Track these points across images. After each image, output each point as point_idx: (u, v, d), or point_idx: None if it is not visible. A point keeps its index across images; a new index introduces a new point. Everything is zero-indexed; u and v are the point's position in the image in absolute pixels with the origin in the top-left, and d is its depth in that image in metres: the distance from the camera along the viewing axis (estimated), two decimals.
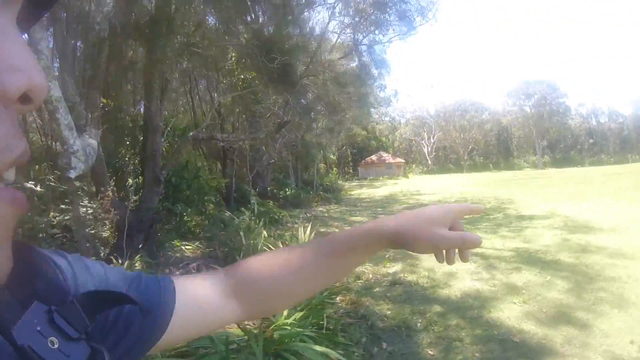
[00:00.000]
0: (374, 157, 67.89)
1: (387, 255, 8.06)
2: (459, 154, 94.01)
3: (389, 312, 5.37)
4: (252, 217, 11.01)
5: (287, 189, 19.13)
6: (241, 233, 8.00)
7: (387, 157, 69.02)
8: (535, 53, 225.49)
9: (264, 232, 8.54)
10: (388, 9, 19.35)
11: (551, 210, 14.31)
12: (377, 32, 21.41)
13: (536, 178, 38.28)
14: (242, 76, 12.97)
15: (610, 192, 19.71)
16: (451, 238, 0.76)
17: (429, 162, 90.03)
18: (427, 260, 7.84)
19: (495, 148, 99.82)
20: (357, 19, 18.78)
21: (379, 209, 17.90)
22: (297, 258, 0.81)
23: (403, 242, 0.76)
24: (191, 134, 10.09)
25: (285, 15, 10.92)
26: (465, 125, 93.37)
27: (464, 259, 0.80)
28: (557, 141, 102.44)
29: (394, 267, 7.50)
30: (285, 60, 9.64)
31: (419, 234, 0.75)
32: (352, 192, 30.36)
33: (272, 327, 4.06)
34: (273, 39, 10.15)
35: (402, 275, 7.04)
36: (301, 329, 4.03)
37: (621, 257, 7.48)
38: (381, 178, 57.74)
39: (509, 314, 5.08)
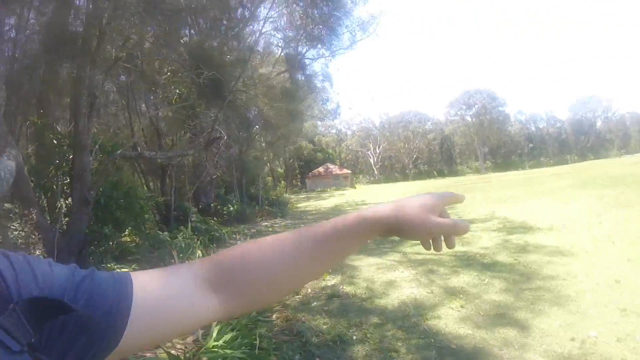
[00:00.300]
0: (321, 169, 68.05)
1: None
2: (404, 163, 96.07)
3: (325, 326, 5.26)
4: (192, 235, 10.70)
5: (230, 205, 18.75)
6: (174, 253, 7.71)
7: (334, 168, 69.34)
8: (476, 63, 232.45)
9: (199, 252, 8.31)
10: (329, 24, 19.71)
11: (491, 212, 14.70)
12: (319, 46, 21.75)
13: (477, 183, 39.33)
14: (177, 91, 12.71)
15: (548, 192, 20.50)
16: (444, 224, 0.77)
17: (375, 172, 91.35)
18: (366, 271, 7.85)
19: (439, 156, 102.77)
20: (300, 32, 18.95)
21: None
22: (288, 245, 0.75)
23: (399, 229, 0.76)
24: (118, 152, 9.72)
25: (217, 31, 10.82)
26: (409, 136, 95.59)
27: (450, 245, 0.82)
28: (498, 147, 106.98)
29: (333, 280, 7.43)
30: (213, 75, 9.50)
31: (415, 220, 0.75)
32: (299, 205, 30.25)
33: (201, 350, 3.92)
34: (203, 53, 10.01)
35: (341, 287, 6.97)
36: (231, 351, 3.89)
37: (559, 254, 7.72)
38: (329, 189, 57.88)
39: (447, 320, 5.08)
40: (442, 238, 0.81)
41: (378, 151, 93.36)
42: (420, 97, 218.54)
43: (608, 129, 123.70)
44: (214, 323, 4.04)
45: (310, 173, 68.09)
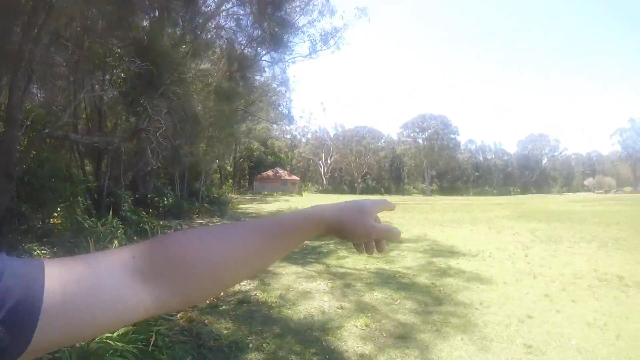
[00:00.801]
0: (270, 173, 67.84)
1: None
2: (354, 177, 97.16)
3: (226, 331, 5.14)
4: (118, 225, 10.43)
5: (165, 198, 18.35)
6: (90, 241, 7.45)
7: (284, 173, 69.36)
8: (434, 89, 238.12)
9: (116, 242, 8.10)
10: (289, 30, 19.79)
11: (423, 234, 14.98)
12: (279, 50, 21.78)
13: (420, 203, 40.09)
14: (123, 75, 12.42)
15: (484, 220, 21.05)
16: (381, 229, 0.81)
17: (324, 181, 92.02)
18: (285, 279, 7.84)
19: (388, 174, 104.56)
20: (260, 33, 18.87)
21: None
22: (234, 237, 0.70)
23: (340, 229, 0.78)
24: (46, 130, 9.41)
25: (171, 20, 10.65)
26: (361, 150, 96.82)
27: (381, 249, 0.85)
28: (446, 172, 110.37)
29: (249, 285, 7.37)
30: (153, 63, 9.34)
31: (356, 223, 0.78)
32: (241, 206, 29.99)
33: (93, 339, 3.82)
34: (143, 41, 9.81)
35: (254, 293, 6.87)
36: (122, 345, 3.82)
37: (478, 282, 7.85)
38: (275, 194, 57.77)
39: (349, 337, 5.05)
40: (374, 242, 0.84)
41: (329, 162, 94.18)
42: (377, 115, 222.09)
43: (553, 166, 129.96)
44: None
45: (258, 175, 67.75)
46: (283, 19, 18.37)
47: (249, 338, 4.99)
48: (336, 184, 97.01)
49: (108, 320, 0.56)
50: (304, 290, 7.08)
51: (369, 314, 5.89)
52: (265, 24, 17.47)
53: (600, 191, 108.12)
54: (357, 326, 5.42)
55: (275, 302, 6.47)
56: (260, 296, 6.72)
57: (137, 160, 16.39)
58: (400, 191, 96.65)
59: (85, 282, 0.54)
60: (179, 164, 21.07)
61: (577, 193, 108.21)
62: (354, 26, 21.91)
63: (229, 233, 0.71)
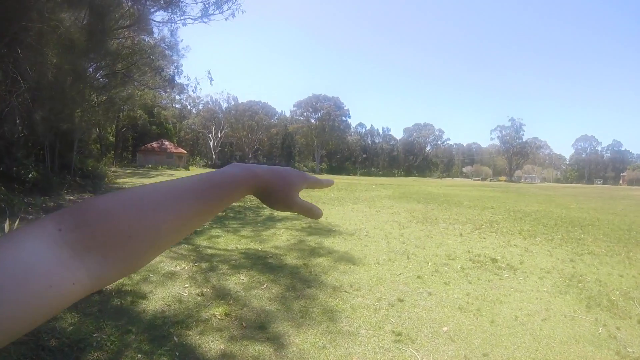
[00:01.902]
0: (155, 144, 64.69)
1: None
2: (245, 152, 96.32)
3: (71, 328, 4.39)
4: None
5: (29, 172, 16.37)
6: None
7: (170, 146, 66.49)
8: (329, 71, 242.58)
9: None
10: None
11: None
12: (169, 9, 20.41)
13: None
14: None
15: (365, 199, 21.51)
16: (303, 206, 0.78)
17: (214, 156, 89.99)
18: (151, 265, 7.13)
19: (279, 151, 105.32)
20: None
21: None
22: (170, 197, 0.61)
23: (265, 194, 0.74)
24: None
25: None
26: (253, 126, 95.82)
27: (312, 216, 0.82)
28: (335, 152, 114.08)
29: None
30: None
31: (280, 192, 0.75)
32: (119, 180, 28.02)
33: None
34: None
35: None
36: None
37: (350, 263, 7.62)
38: (160, 167, 55.40)
39: (204, 329, 4.52)
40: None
41: (220, 135, 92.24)
42: (271, 91, 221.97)
43: (435, 154, 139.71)
44: None
45: (142, 147, 64.39)
46: None
47: (94, 335, 4.29)
48: (226, 158, 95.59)
49: (41, 308, 0.46)
50: (166, 275, 6.38)
51: (231, 301, 5.38)
52: None
53: (477, 178, 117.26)
54: (215, 316, 4.88)
55: (130, 290, 5.71)
56: (115, 284, 5.93)
57: None
58: (313, 176, 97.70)
59: (4, 265, 0.43)
60: (46, 132, 19.00)
61: (456, 179, 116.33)
62: None
63: (165, 197, 0.61)
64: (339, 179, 52.18)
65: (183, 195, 0.63)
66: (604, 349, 4.49)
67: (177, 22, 22.58)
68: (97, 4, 12.93)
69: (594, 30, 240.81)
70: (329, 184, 0.89)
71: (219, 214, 12.35)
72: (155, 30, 24.06)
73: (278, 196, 0.74)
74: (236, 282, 6.24)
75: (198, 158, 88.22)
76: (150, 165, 57.25)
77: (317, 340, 4.38)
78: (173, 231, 0.61)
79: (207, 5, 21.47)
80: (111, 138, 62.51)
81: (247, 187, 0.71)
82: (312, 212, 0.80)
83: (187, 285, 5.98)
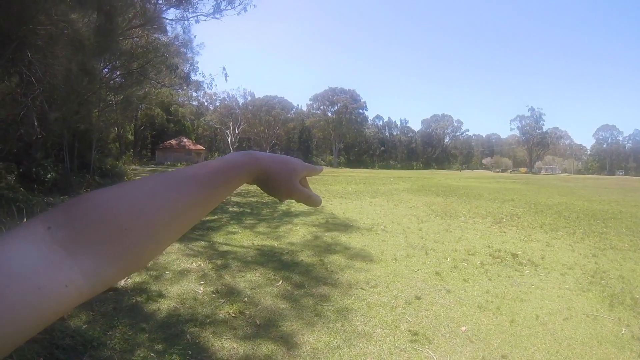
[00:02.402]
0: (173, 142, 65.14)
1: None
2: (262, 147, 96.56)
3: (85, 325, 4.38)
4: None
5: (47, 172, 16.47)
6: None
7: (188, 142, 66.90)
8: (346, 64, 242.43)
9: None
10: None
11: (320, 206, 14.67)
12: (181, 7, 20.42)
13: (325, 175, 40.25)
14: None
15: (384, 193, 21.38)
16: (302, 193, 0.78)
17: (232, 151, 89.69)
18: (164, 257, 7.09)
19: (297, 145, 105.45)
20: None
21: None
22: (171, 189, 0.57)
23: (266, 182, 0.73)
24: None
25: None
26: (270, 121, 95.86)
27: (311, 204, 0.84)
28: (353, 145, 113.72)
29: None
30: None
31: (281, 180, 0.74)
32: (138, 178, 28.26)
33: None
34: None
35: (128, 277, 6.11)
36: None
37: (367, 260, 7.49)
38: (179, 164, 55.74)
39: (218, 328, 4.46)
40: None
41: (237, 131, 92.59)
42: (287, 85, 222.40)
43: (454, 145, 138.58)
44: None
45: (161, 144, 64.88)
46: None
47: (108, 333, 4.27)
48: None
49: (29, 313, 0.41)
50: (181, 272, 6.35)
51: (246, 299, 5.31)
52: None
53: (497, 170, 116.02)
54: (230, 313, 4.83)
55: (146, 287, 5.68)
56: (132, 281, 5.91)
57: (15, 130, 14.52)
58: (308, 163, 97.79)
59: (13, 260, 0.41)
60: (75, 133, 19.16)
61: (476, 170, 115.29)
62: None
63: (162, 186, 0.58)
64: (357, 173, 52.06)
65: (182, 183, 0.59)
66: (627, 351, 4.32)
67: (190, 19, 22.60)
68: (106, 4, 12.92)
69: (612, 17, 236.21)
70: (320, 170, 0.90)
71: (234, 209, 12.22)
72: (168, 28, 24.13)
73: (279, 182, 0.74)
74: (252, 278, 6.19)
75: (216, 154, 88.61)
76: (169, 163, 57.70)
77: (331, 339, 4.30)
78: (173, 221, 0.56)
79: (218, 1, 21.42)
80: (130, 137, 63.11)
81: (248, 172, 0.69)
82: (311, 200, 0.81)
83: (202, 282, 5.95)
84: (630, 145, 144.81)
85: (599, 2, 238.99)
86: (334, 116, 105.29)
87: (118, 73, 23.83)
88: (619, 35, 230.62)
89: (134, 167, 40.79)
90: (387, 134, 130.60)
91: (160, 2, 19.74)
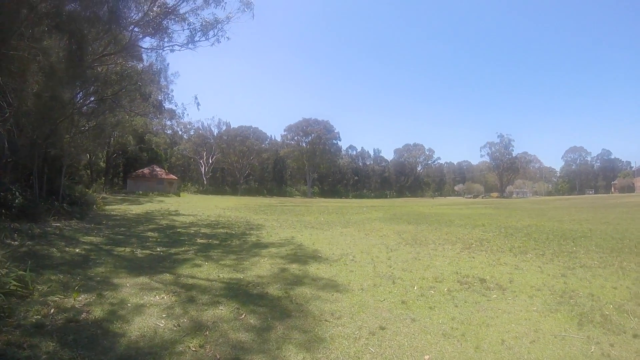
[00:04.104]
0: (146, 171, 64.33)
1: (76, 287, 6.98)
2: (236, 177, 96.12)
3: (45, 356, 4.30)
4: None
5: (16, 197, 16.02)
6: None
7: (161, 172, 66.15)
8: (319, 95, 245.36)
9: None
10: (170, 16, 18.71)
11: (290, 237, 14.61)
12: (156, 36, 20.47)
13: (298, 206, 40.25)
14: None
15: (355, 222, 21.39)
16: None
17: (205, 181, 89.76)
18: (126, 292, 6.92)
19: (271, 175, 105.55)
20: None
21: (122, 229, 16.31)
22: None
23: None
24: None
25: None
26: (244, 151, 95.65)
27: None
28: (327, 175, 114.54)
29: (86, 299, 6.39)
30: None
31: None
32: (109, 207, 27.61)
33: None
34: None
35: (86, 310, 5.83)
36: None
37: (334, 290, 7.43)
38: (150, 194, 55.02)
39: None
40: None
41: (211, 161, 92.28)
42: (262, 116, 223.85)
43: (427, 173, 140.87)
44: None
45: (133, 173, 63.99)
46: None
47: None
48: (218, 184, 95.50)
49: None
50: (143, 306, 6.18)
51: (207, 333, 5.19)
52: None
53: (470, 196, 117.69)
54: (190, 347, 4.72)
55: (108, 319, 5.53)
56: (93, 313, 5.75)
57: None
58: (282, 193, 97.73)
59: None
60: (35, 157, 18.75)
61: (448, 197, 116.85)
62: (239, 19, 20.68)
63: None
64: (331, 203, 52.09)
65: None
66: None
67: (165, 49, 22.64)
68: (78, 32, 12.88)
69: (576, 43, 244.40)
70: None
71: (202, 241, 12.00)
72: (144, 56, 24.16)
73: None
74: (215, 313, 6.05)
75: (189, 184, 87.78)
76: (140, 192, 56.85)
77: None
78: None
79: (193, 32, 21.56)
80: (102, 164, 62.24)
81: None
82: None
83: (164, 315, 5.79)
84: (599, 164, 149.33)
85: (561, 30, 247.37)
86: (307, 146, 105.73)
87: (92, 99, 23.65)
88: (583, 60, 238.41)
89: (104, 195, 40.04)
90: (360, 164, 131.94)
91: (136, 30, 19.77)
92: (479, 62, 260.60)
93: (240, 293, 7.16)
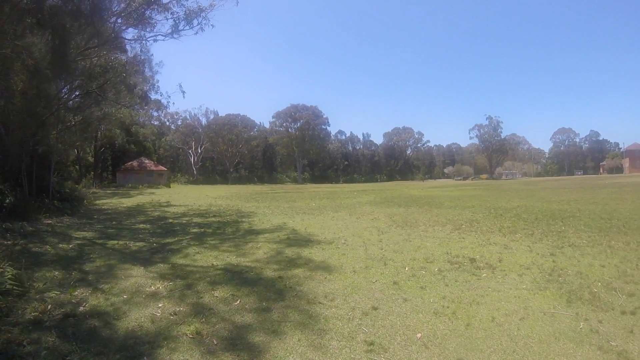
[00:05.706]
0: (134, 163, 63.93)
1: (72, 282, 7.04)
2: (226, 166, 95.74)
3: (45, 351, 4.37)
4: None
5: (5, 197, 15.92)
6: None
7: (150, 164, 65.77)
8: (307, 81, 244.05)
9: None
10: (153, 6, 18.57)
11: (283, 223, 14.74)
12: (139, 26, 20.31)
13: (289, 192, 40.26)
14: None
15: (347, 207, 21.47)
16: None
17: (195, 171, 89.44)
18: (124, 282, 6.98)
19: (261, 163, 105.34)
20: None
21: (114, 222, 16.32)
22: None
23: None
24: None
25: None
26: (233, 139, 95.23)
27: None
28: (317, 161, 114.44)
29: (83, 293, 6.47)
30: None
31: None
32: (99, 202, 27.43)
33: None
34: None
35: (84, 304, 5.90)
36: None
37: (326, 272, 7.58)
38: (140, 186, 54.74)
39: (176, 347, 4.46)
40: None
41: (200, 151, 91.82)
42: (250, 103, 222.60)
43: (416, 156, 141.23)
44: None
45: (122, 166, 63.60)
46: None
47: (67, 358, 4.23)
48: (208, 173, 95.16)
49: None
50: (140, 295, 6.29)
51: (204, 318, 5.31)
52: None
53: (459, 178, 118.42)
54: (187, 334, 4.80)
55: (105, 311, 5.61)
56: (90, 306, 5.83)
57: None
58: (273, 180, 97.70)
59: None
60: (23, 155, 18.60)
61: (438, 180, 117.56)
62: (222, 7, 20.31)
63: None
64: (322, 188, 52.14)
65: None
66: (586, 345, 4.47)
67: (149, 39, 22.44)
68: (60, 26, 12.76)
69: (565, 25, 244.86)
70: None
71: (195, 230, 12.07)
72: (128, 47, 23.91)
73: None
74: (211, 298, 6.16)
75: (179, 175, 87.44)
76: (130, 185, 56.61)
77: (287, 355, 4.32)
78: None
79: (177, 22, 21.38)
80: (90, 159, 61.76)
81: None
82: None
83: (160, 304, 5.89)
84: (587, 145, 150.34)
85: (550, 11, 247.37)
86: (296, 132, 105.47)
87: (77, 93, 23.47)
88: (571, 41, 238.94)
89: (94, 190, 39.83)
90: (350, 149, 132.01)
91: (119, 21, 19.58)
92: (467, 43, 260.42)
93: (236, 278, 7.32)
